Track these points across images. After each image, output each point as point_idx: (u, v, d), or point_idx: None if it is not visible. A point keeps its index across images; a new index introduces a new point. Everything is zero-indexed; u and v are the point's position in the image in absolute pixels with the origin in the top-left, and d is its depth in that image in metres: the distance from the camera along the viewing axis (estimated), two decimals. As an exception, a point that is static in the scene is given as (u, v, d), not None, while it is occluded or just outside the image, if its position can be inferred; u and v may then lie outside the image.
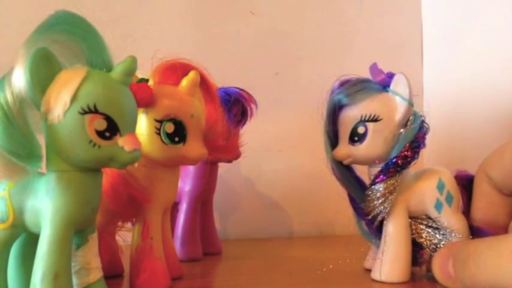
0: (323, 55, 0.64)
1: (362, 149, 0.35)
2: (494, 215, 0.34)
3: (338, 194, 0.39)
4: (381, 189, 0.35)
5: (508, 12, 0.50)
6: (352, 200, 0.38)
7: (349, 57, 0.65)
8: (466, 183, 0.37)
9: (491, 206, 0.34)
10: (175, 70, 0.35)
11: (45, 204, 0.26)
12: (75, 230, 0.27)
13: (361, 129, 0.35)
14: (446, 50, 0.62)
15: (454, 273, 0.27)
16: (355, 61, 0.63)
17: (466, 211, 0.37)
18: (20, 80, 0.25)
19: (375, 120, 0.34)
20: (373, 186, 0.35)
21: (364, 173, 0.38)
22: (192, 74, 0.34)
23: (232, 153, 0.45)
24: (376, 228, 0.37)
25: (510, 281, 0.23)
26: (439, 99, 0.62)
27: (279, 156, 0.63)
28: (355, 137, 0.35)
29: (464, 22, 0.58)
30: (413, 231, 0.36)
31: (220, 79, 0.40)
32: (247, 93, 0.45)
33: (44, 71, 0.25)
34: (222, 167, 0.50)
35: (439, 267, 0.29)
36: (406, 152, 0.34)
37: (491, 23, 0.53)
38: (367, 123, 0.34)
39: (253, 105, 0.45)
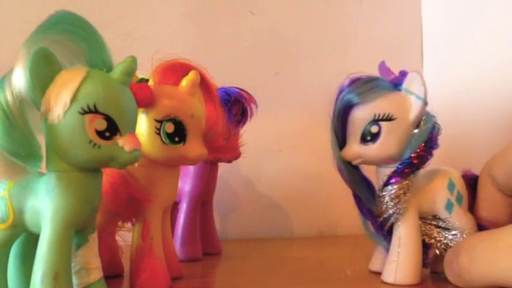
0: (323, 55, 0.64)
1: (375, 149, 0.34)
2: (496, 215, 0.35)
3: (338, 194, 0.39)
4: (394, 190, 0.34)
5: (508, 13, 0.50)
6: (359, 201, 0.38)
7: (349, 57, 0.65)
8: (470, 183, 0.37)
9: (494, 206, 0.35)
10: (175, 70, 0.34)
11: (45, 204, 0.26)
12: (75, 230, 0.27)
13: (374, 129, 0.34)
14: (446, 50, 0.62)
15: (458, 270, 0.27)
16: (355, 61, 0.63)
17: (470, 211, 0.37)
18: (20, 80, 0.25)
19: (389, 119, 0.33)
20: (386, 187, 0.34)
21: (370, 172, 0.37)
22: (192, 74, 0.34)
23: (232, 153, 0.45)
24: (387, 230, 0.36)
25: (506, 274, 0.24)
26: (439, 100, 0.61)
27: (279, 156, 0.63)
28: (368, 137, 0.34)
29: (464, 22, 0.58)
30: (423, 232, 0.36)
31: (220, 79, 0.40)
32: (247, 93, 0.45)
33: (44, 71, 0.25)
34: (222, 167, 0.49)
35: (447, 265, 0.29)
36: (422, 152, 0.33)
37: (491, 23, 0.53)
38: (381, 123, 0.34)
39: (253, 105, 0.45)
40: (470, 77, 0.56)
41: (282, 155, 0.63)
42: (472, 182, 0.37)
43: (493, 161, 0.35)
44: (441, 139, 0.35)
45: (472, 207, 0.36)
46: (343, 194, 0.39)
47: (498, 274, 0.24)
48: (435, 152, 0.35)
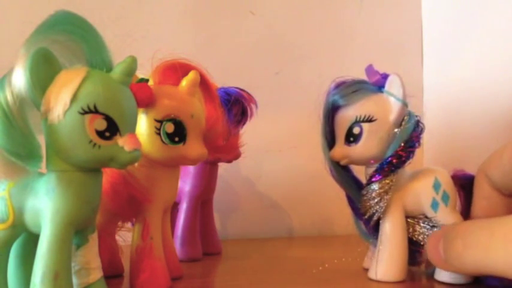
0: (323, 55, 0.64)
1: (357, 150, 0.35)
2: (494, 215, 0.34)
3: (337, 194, 0.39)
4: (376, 188, 0.35)
5: (508, 12, 0.50)
6: (350, 200, 0.38)
7: (349, 57, 0.65)
8: (464, 183, 0.37)
9: (491, 206, 0.35)
10: (175, 70, 0.35)
11: (45, 204, 0.26)
12: (75, 230, 0.27)
13: (356, 130, 0.35)
14: (446, 50, 0.62)
15: (443, 253, 0.27)
16: (355, 61, 0.63)
17: (464, 211, 0.37)
18: (20, 80, 0.25)
19: (369, 120, 0.35)
20: (368, 186, 0.35)
21: (361, 173, 0.38)
22: (192, 74, 0.34)
23: (232, 153, 0.45)
24: (372, 228, 0.37)
25: (500, 262, 0.23)
26: (439, 99, 0.62)
27: (279, 156, 0.63)
28: (351, 138, 0.35)
29: (464, 22, 0.58)
30: (411, 230, 0.36)
31: (220, 79, 0.40)
32: (247, 93, 0.45)
33: (44, 71, 0.25)
34: (222, 167, 0.50)
35: (431, 248, 0.29)
36: (400, 152, 0.34)
37: (491, 23, 0.53)
38: (362, 124, 0.35)
39: (253, 105, 0.45)
40: (470, 77, 0.56)
41: (282, 155, 0.63)
42: (465, 183, 0.37)
43: (488, 160, 0.35)
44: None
45: (468, 207, 0.36)
46: (343, 194, 0.39)
47: (491, 262, 0.24)
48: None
